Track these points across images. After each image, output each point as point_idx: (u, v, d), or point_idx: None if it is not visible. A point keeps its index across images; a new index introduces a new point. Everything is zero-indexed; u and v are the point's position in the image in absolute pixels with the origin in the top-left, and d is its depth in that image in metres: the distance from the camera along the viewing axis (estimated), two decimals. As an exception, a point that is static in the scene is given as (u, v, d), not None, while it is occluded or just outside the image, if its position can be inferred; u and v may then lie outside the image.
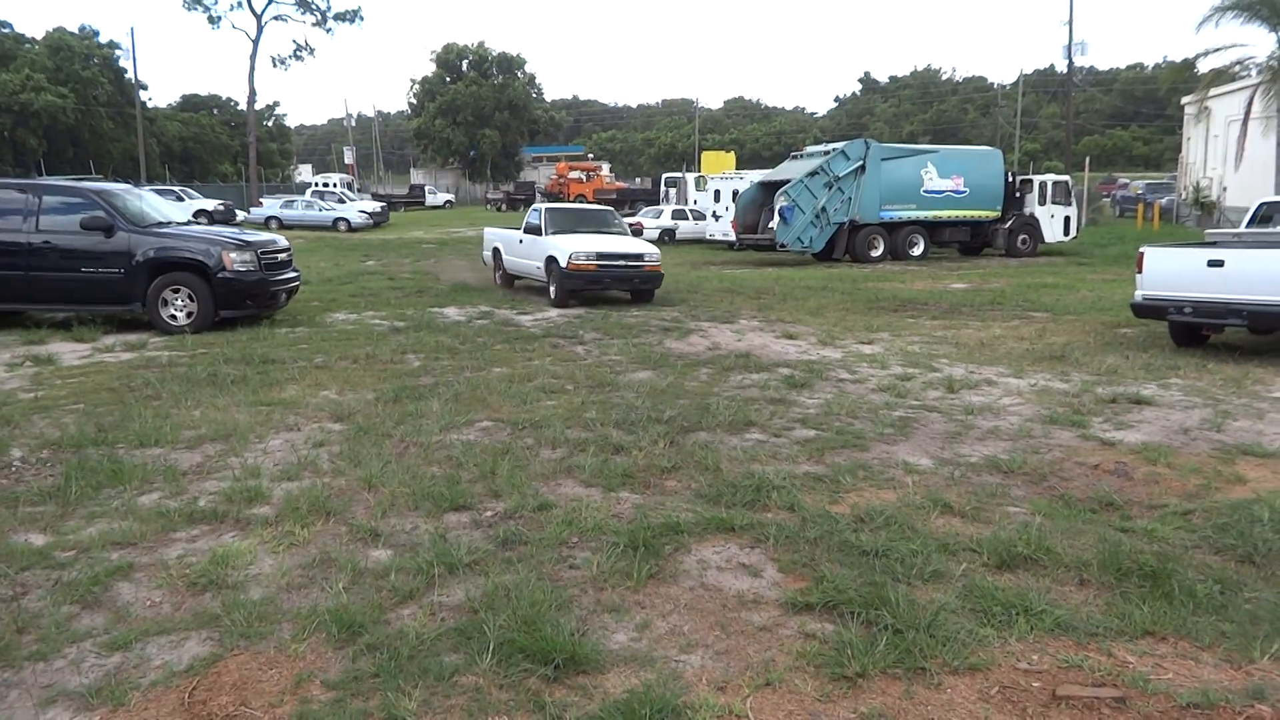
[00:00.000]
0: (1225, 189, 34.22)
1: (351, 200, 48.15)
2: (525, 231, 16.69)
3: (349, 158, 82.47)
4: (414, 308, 14.49)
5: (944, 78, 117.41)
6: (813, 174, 24.34)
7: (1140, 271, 10.15)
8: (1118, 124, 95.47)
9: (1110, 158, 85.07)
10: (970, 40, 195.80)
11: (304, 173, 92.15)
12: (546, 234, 15.67)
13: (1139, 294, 10.17)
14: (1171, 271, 9.84)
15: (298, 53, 57.75)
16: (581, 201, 46.59)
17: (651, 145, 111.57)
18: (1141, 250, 10.29)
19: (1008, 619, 3.72)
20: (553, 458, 6.01)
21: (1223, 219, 32.33)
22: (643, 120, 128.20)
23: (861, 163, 24.83)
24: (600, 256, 14.66)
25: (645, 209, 36.86)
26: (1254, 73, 27.76)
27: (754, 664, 3.44)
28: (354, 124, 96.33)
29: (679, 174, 42.65)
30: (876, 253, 25.18)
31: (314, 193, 50.44)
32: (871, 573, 4.15)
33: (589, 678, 3.32)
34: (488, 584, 4.03)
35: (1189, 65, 30.46)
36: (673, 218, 34.03)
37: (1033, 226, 26.97)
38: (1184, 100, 38.92)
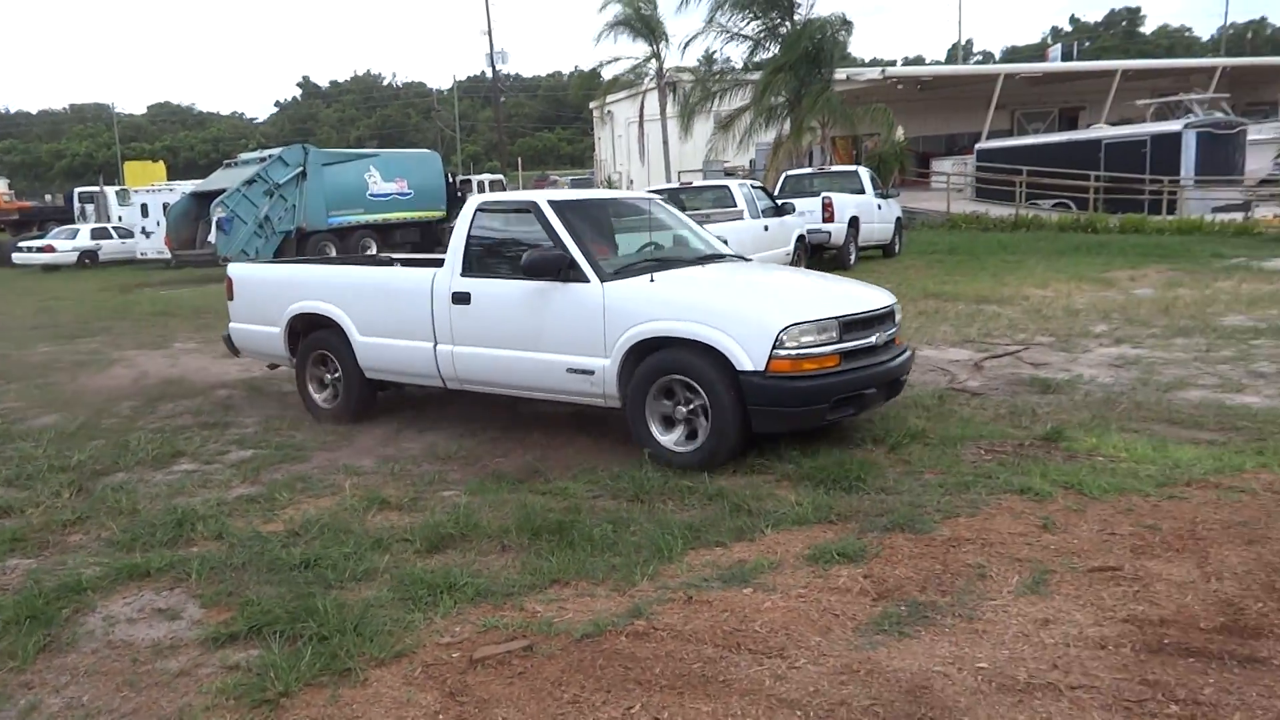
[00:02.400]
0: (632, 181, 39.49)
1: None
2: (467, 272, 6.38)
3: None
4: None
5: (385, 83, 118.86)
6: (250, 182, 23.07)
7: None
8: (545, 126, 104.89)
9: (543, 157, 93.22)
10: (406, 46, 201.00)
11: None
12: (589, 273, 5.84)
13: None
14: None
15: None
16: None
17: (62, 157, 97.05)
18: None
19: (434, 600, 3.87)
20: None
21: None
22: (48, 129, 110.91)
23: (302, 168, 24.12)
24: (845, 327, 5.51)
25: (57, 229, 32.01)
26: (647, 80, 32.32)
27: (167, 716, 3.15)
28: None
29: (95, 188, 37.75)
30: (330, 259, 24.69)
31: None
32: (301, 586, 4.05)
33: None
34: None
35: (595, 74, 34.46)
36: (93, 237, 30.05)
37: (477, 224, 28.54)
38: (591, 104, 44.00)
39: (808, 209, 16.04)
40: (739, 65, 27.31)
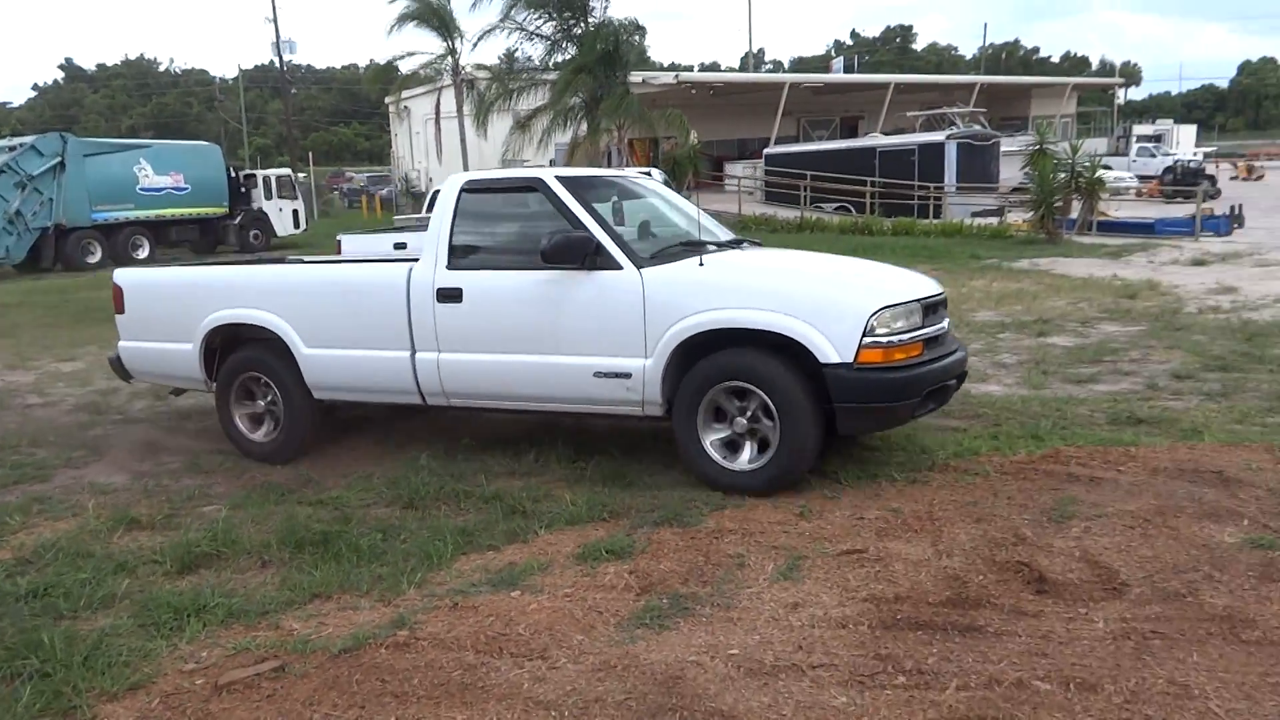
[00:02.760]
0: (431, 179, 38.65)
1: None
2: (455, 264, 5.41)
3: None
4: None
5: (162, 69, 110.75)
6: (-1, 173, 20.93)
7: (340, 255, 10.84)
8: (340, 121, 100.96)
9: (338, 153, 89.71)
10: (184, 30, 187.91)
11: None
12: (621, 258, 5.01)
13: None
14: (367, 254, 10.71)
15: None
16: None
17: None
18: (339, 238, 11.01)
19: (179, 624, 3.63)
20: None
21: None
22: None
23: (60, 159, 22.14)
24: (925, 311, 5.00)
25: None
26: (445, 76, 31.66)
27: None
28: None
29: None
30: (94, 259, 22.77)
31: None
32: (25, 618, 3.69)
33: None
34: None
35: (391, 67, 33.43)
36: None
37: (263, 221, 27.16)
38: (387, 100, 42.70)
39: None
40: (541, 65, 27.32)
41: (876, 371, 4.58)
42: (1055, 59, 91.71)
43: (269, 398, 5.98)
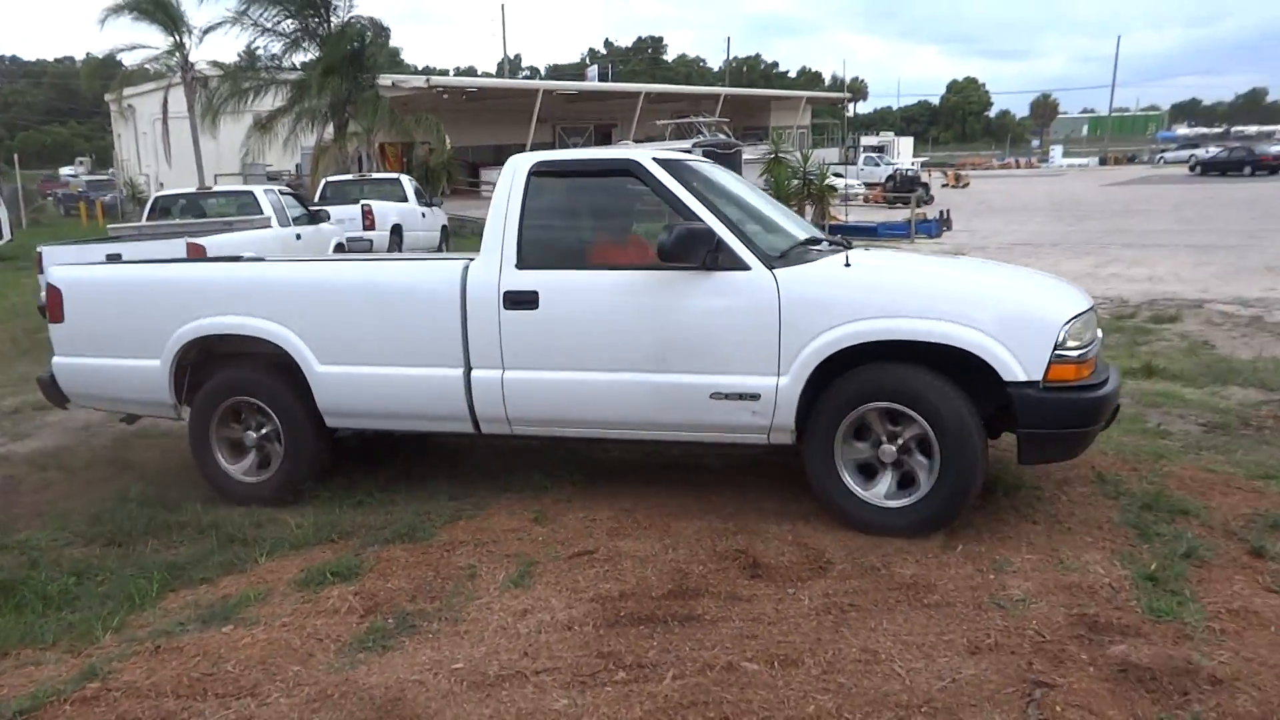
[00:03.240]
0: (162, 184, 35.72)
1: None
2: (526, 263, 4.56)
3: None
4: None
5: None
6: None
7: (41, 271, 9.77)
8: (55, 119, 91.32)
9: (54, 154, 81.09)
10: None
11: None
12: (748, 257, 4.27)
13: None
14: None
15: None
16: None
17: None
18: (39, 250, 9.93)
19: None
20: None
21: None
22: None
23: None
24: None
25: None
26: (178, 74, 29.26)
27: None
28: None
29: None
30: None
31: None
32: None
33: None
34: None
35: (112, 62, 30.55)
36: None
37: (-46, 231, 24.02)
38: (107, 97, 39.06)
39: (348, 216, 15.64)
40: (280, 64, 25.92)
41: (1067, 391, 3.95)
42: (793, 74, 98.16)
43: (262, 427, 5.04)
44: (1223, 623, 3.36)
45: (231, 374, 5.04)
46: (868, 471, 4.26)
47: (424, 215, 18.51)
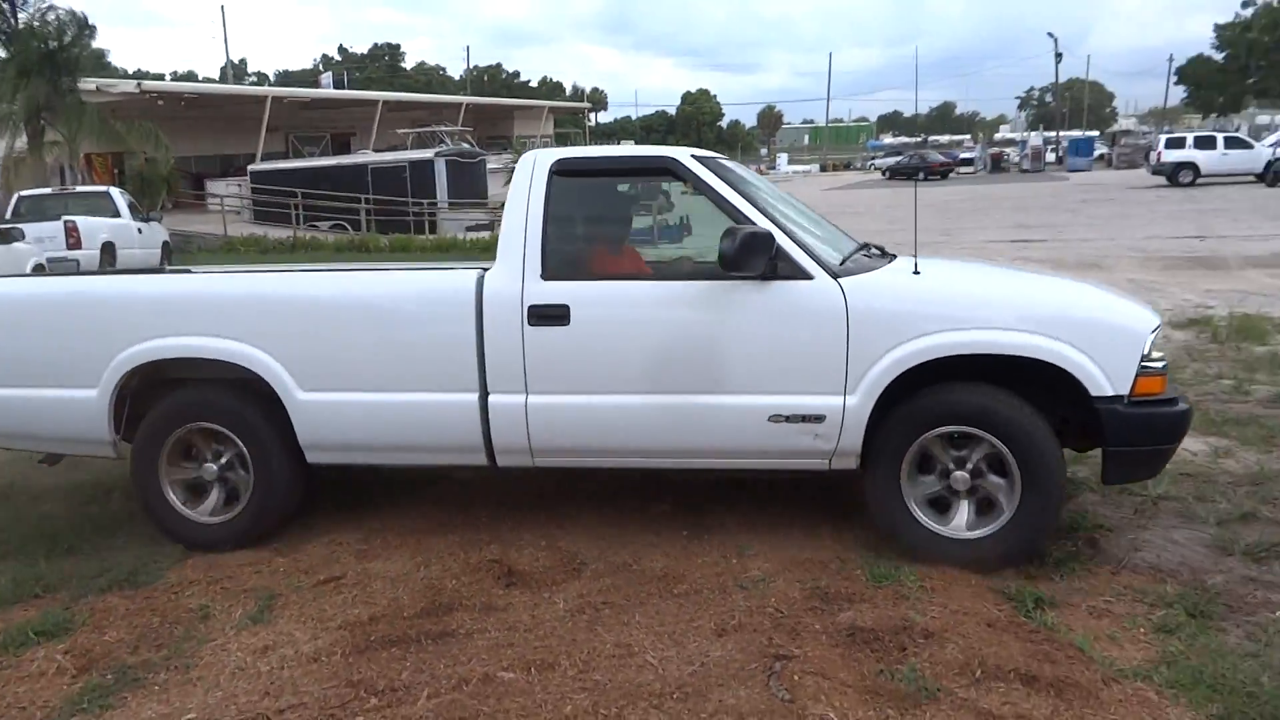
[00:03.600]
0: None
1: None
2: (553, 273, 3.98)
3: None
4: None
5: None
6: None
7: None
8: None
9: None
10: None
11: None
12: (810, 266, 3.83)
13: None
14: None
15: None
16: None
17: None
18: None
19: None
20: None
21: None
22: None
23: None
24: None
25: None
26: None
27: None
28: None
29: None
30: None
31: None
32: None
33: None
34: None
35: None
36: None
37: None
38: None
39: (48, 234, 14.07)
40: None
41: (1152, 406, 3.72)
42: (534, 83, 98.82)
43: (223, 460, 4.36)
44: (933, 582, 3.72)
45: (185, 400, 4.33)
46: (939, 504, 3.92)
47: (140, 231, 16.98)
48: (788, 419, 3.84)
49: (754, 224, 3.83)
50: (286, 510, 4.43)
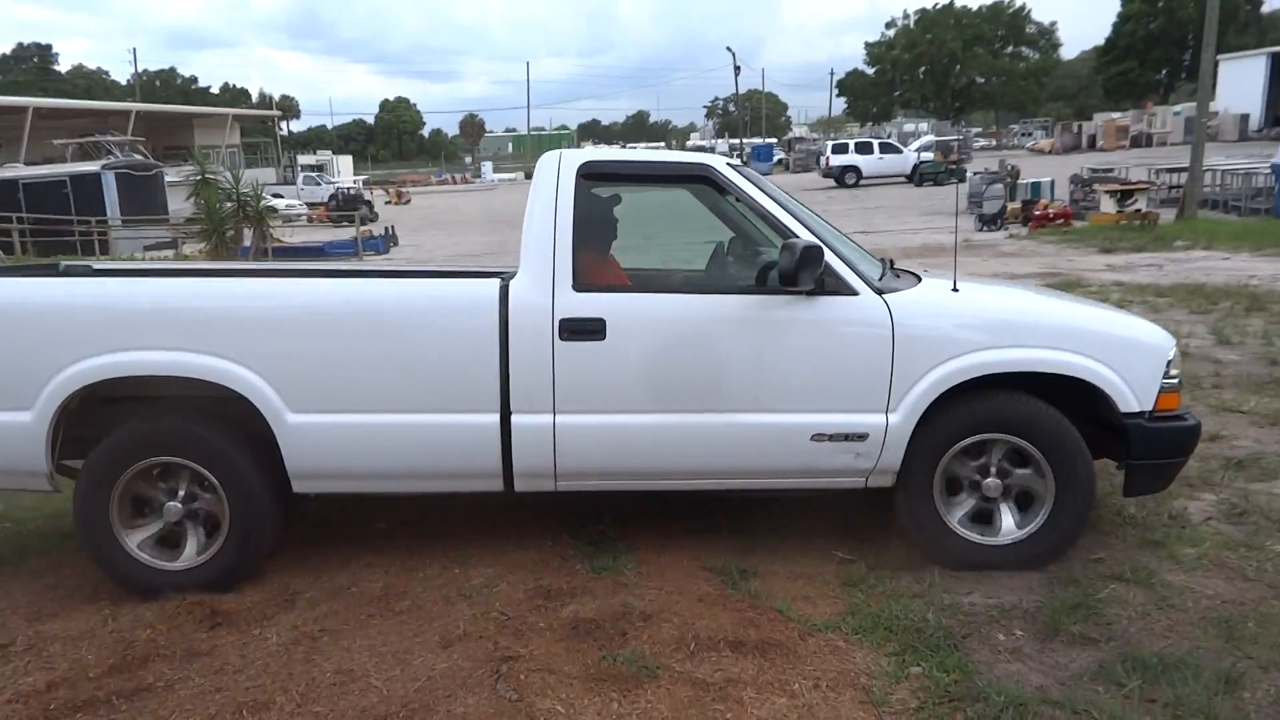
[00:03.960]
0: None
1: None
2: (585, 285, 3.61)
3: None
4: None
5: None
6: None
7: None
8: None
9: None
10: None
11: None
12: (855, 282, 3.73)
13: None
14: None
15: None
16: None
17: None
18: None
19: None
20: None
21: None
22: None
23: None
24: None
25: None
26: None
27: None
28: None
29: None
30: None
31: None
32: None
33: None
34: None
35: None
36: None
37: None
38: None
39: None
40: None
41: (1172, 421, 3.88)
42: (215, 89, 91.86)
43: (184, 495, 3.79)
44: (648, 567, 3.91)
45: (143, 428, 3.70)
46: (981, 517, 3.96)
47: None
48: (830, 438, 3.79)
49: (800, 238, 3.73)
50: (265, 549, 3.91)
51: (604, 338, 3.70)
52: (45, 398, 3.63)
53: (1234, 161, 23.22)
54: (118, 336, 3.64)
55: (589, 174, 3.92)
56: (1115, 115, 51.90)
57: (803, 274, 3.60)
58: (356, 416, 3.73)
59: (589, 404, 3.75)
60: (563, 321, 3.69)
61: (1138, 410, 3.81)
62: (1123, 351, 3.85)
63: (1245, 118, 45.38)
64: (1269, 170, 18.87)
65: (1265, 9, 60.32)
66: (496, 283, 3.77)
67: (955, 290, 3.94)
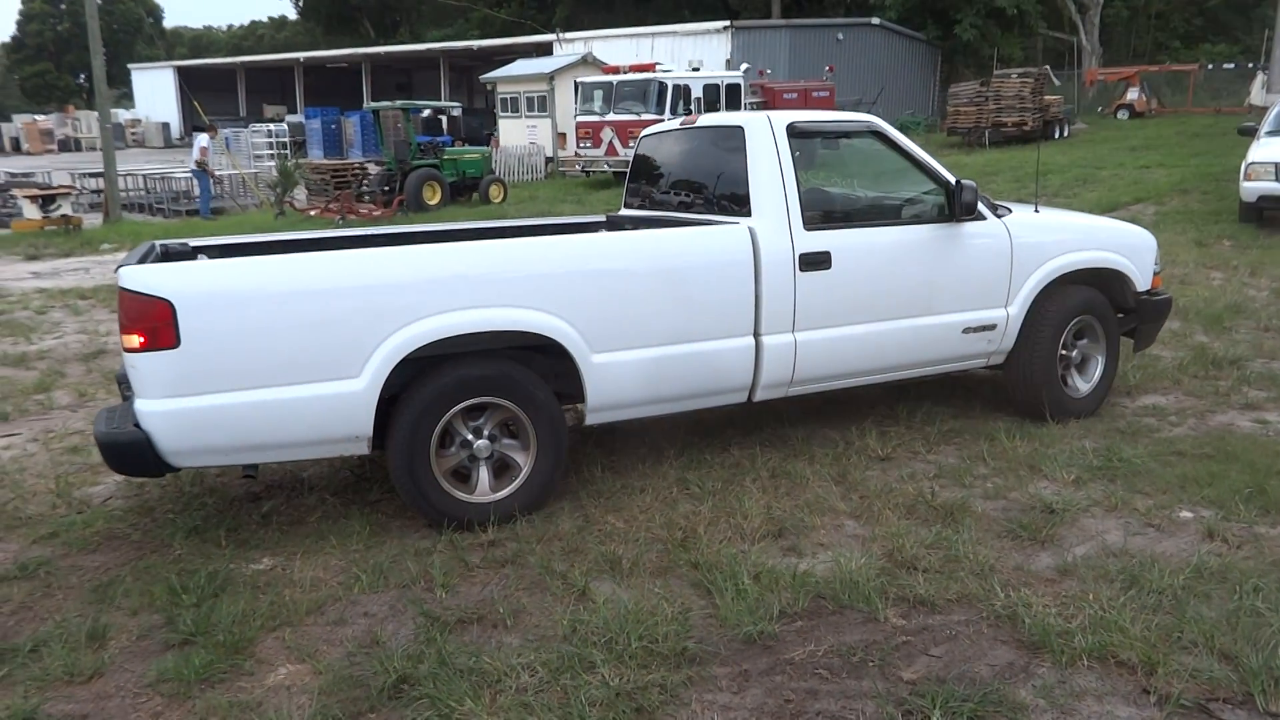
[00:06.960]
0: None
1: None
2: (813, 223, 4.64)
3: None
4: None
5: None
6: None
7: None
8: None
9: None
10: None
11: None
12: (985, 209, 5.22)
13: None
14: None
15: None
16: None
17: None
18: None
19: None
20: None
21: None
22: None
23: None
24: None
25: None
26: None
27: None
28: None
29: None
30: None
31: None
32: None
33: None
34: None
35: None
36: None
37: None
38: None
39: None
40: None
41: (1159, 295, 5.55)
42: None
43: (487, 435, 4.12)
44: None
45: (461, 376, 3.97)
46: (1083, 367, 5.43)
47: None
48: (975, 330, 5.01)
49: (950, 178, 4.85)
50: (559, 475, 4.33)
51: (830, 267, 4.57)
52: (377, 363, 3.79)
53: (154, 166, 24.90)
54: (442, 300, 3.89)
55: (797, 133, 4.68)
56: (38, 117, 49.92)
57: (974, 206, 4.81)
58: (644, 351, 4.29)
59: (818, 321, 4.62)
60: (802, 255, 4.52)
61: (1143, 289, 5.43)
62: (1138, 249, 5.43)
63: (167, 125, 47.69)
64: (188, 174, 19.87)
65: (169, 24, 59.10)
66: (744, 228, 4.46)
67: (1037, 212, 5.32)
